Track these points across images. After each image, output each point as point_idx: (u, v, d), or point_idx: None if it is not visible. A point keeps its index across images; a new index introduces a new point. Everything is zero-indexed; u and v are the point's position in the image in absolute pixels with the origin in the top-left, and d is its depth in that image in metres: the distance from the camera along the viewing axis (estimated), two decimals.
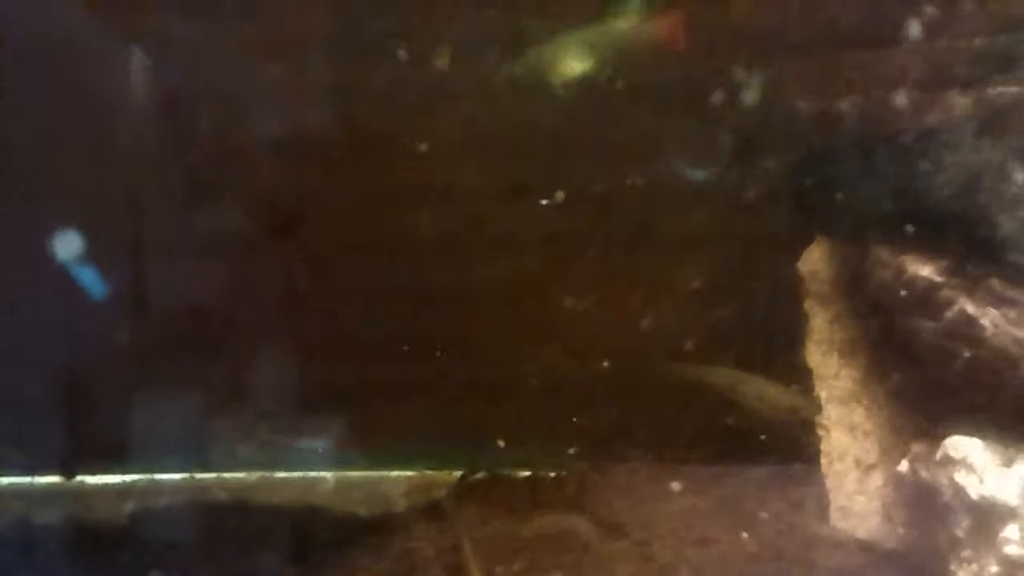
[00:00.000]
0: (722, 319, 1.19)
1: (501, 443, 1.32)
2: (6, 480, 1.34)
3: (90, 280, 1.28)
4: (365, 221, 1.27)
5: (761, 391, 1.13)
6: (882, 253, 1.03)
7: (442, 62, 1.15)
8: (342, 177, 1.25)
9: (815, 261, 1.13)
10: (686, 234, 1.19)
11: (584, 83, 1.16)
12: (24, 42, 1.16)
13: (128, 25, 1.16)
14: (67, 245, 1.27)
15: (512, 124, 1.21)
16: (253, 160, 1.25)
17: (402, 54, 1.16)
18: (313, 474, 1.40)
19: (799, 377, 1.13)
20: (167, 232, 1.27)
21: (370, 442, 1.37)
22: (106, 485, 1.35)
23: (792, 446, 1.11)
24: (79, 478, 1.36)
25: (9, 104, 1.18)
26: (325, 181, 1.26)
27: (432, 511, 1.30)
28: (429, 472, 1.41)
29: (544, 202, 1.21)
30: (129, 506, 1.34)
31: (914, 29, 1.02)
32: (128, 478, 1.36)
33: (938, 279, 0.98)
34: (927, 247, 0.99)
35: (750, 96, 1.12)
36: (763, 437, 1.11)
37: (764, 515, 1.08)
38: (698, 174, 1.18)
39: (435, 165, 1.23)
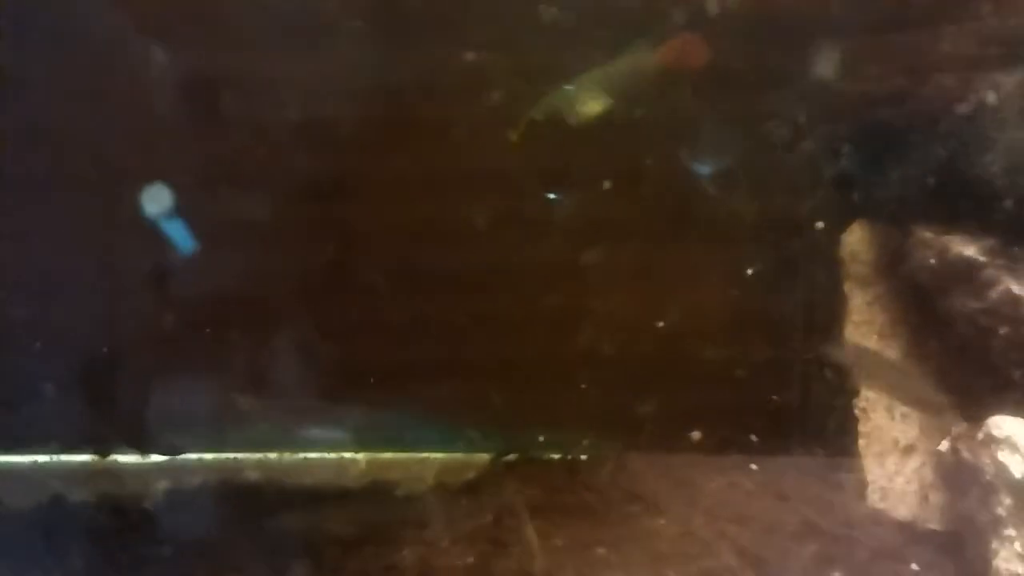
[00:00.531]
0: (762, 304, 1.19)
1: (536, 426, 1.33)
2: (42, 458, 1.34)
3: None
4: (403, 204, 1.29)
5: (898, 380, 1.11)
6: (924, 234, 1.03)
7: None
8: (380, 160, 1.26)
9: (855, 242, 1.13)
10: (726, 217, 1.19)
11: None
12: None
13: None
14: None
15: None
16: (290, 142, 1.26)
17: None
18: (346, 455, 1.41)
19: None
20: (204, 212, 1.28)
21: (402, 423, 1.38)
22: (139, 464, 1.36)
23: (831, 428, 1.11)
24: (112, 456, 1.37)
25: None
26: (364, 163, 1.27)
27: (468, 489, 1.31)
28: (460, 455, 1.41)
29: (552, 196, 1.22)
30: (162, 484, 1.34)
31: (959, 9, 1.02)
32: (161, 457, 1.37)
33: (982, 259, 0.98)
34: (971, 227, 0.99)
35: (789, 78, 1.13)
36: (802, 419, 1.11)
37: (804, 494, 1.08)
38: (736, 158, 1.18)
39: (475, 150, 1.24)
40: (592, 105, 1.16)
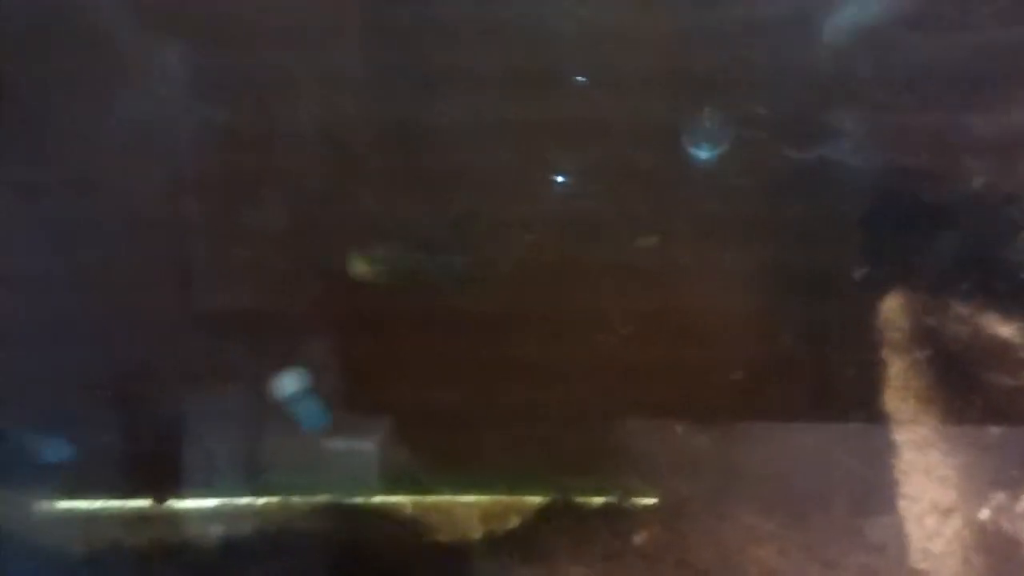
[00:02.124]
0: (808, 368, 1.23)
1: (578, 469, 1.36)
2: (101, 504, 1.38)
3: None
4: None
5: None
6: (960, 309, 1.08)
7: None
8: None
9: (892, 310, 1.18)
10: (770, 281, 1.24)
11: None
12: None
13: None
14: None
15: None
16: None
17: None
18: (392, 499, 1.44)
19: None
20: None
21: (444, 466, 1.41)
22: (194, 509, 1.39)
23: (873, 491, 1.15)
24: (168, 502, 1.40)
25: None
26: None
27: (511, 538, 1.34)
28: (503, 498, 1.43)
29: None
30: (217, 530, 1.38)
31: (993, 93, 1.06)
32: (214, 502, 1.41)
33: (1017, 340, 1.02)
34: (1006, 306, 1.04)
35: (828, 149, 1.17)
36: (846, 483, 1.15)
37: (849, 560, 1.12)
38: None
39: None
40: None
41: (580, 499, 1.37)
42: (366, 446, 1.41)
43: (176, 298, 1.31)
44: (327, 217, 1.30)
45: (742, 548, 1.16)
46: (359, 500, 1.42)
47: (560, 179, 1.27)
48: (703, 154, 1.21)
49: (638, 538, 1.30)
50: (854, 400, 1.20)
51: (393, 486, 1.41)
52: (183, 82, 1.23)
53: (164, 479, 1.37)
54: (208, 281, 1.32)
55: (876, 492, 1.16)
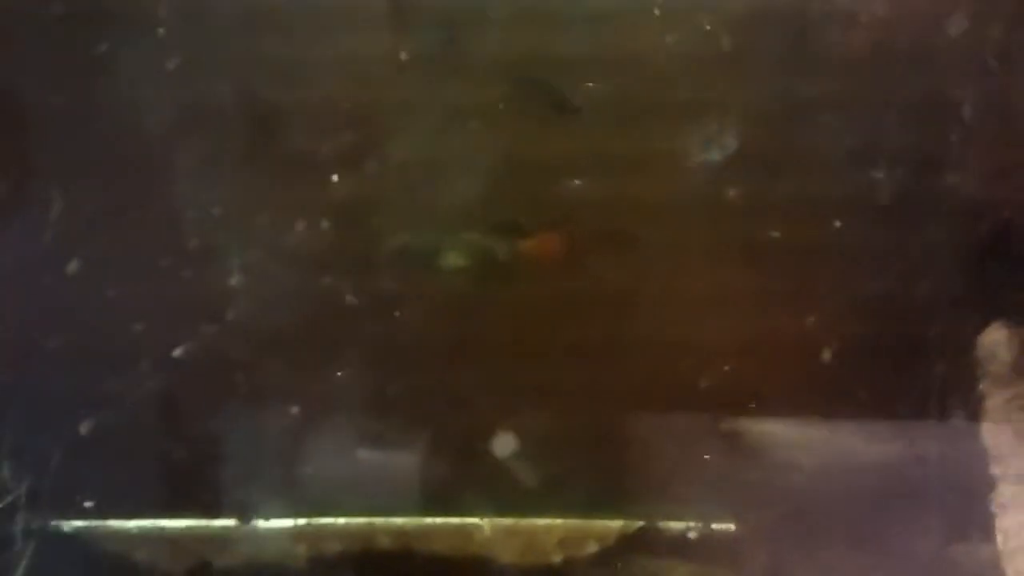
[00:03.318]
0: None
1: (658, 493, 1.36)
2: (189, 523, 1.40)
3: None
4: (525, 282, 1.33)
5: None
6: None
7: None
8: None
9: (993, 343, 1.17)
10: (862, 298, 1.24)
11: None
12: None
13: None
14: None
15: None
16: None
17: None
18: (469, 520, 1.44)
19: None
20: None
21: (524, 488, 1.40)
22: (279, 529, 1.40)
23: (970, 524, 1.15)
24: (254, 521, 1.41)
25: None
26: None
27: (593, 562, 1.34)
28: (580, 521, 1.42)
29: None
30: (302, 550, 1.39)
31: None
32: (298, 521, 1.42)
33: None
34: None
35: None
36: (942, 514, 1.15)
37: None
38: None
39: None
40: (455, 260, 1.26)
41: (660, 524, 1.37)
42: (447, 469, 1.41)
43: (264, 316, 1.33)
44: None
45: (832, 567, 1.14)
46: (439, 521, 1.42)
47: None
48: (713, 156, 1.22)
49: (718, 566, 1.29)
50: (952, 432, 1.19)
51: (472, 508, 1.41)
52: None
53: (248, 498, 1.38)
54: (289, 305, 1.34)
55: (972, 525, 1.15)
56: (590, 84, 1.23)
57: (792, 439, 1.28)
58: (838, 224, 1.23)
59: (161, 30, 1.21)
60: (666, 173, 1.25)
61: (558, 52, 1.22)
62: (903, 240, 1.22)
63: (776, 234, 1.25)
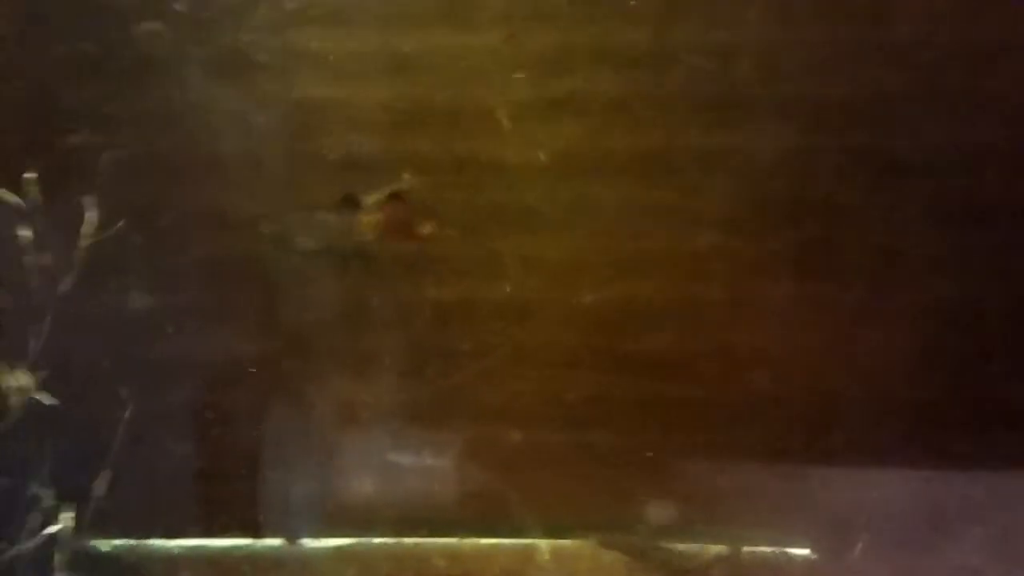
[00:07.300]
0: None
1: (737, 517, 1.30)
2: (233, 542, 1.36)
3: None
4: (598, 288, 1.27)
5: None
6: None
7: None
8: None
9: None
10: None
11: None
12: None
13: None
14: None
15: None
16: None
17: None
18: (526, 541, 1.39)
19: None
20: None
21: (585, 509, 1.35)
22: (327, 549, 1.36)
23: None
24: (300, 541, 1.37)
25: None
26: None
27: None
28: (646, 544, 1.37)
29: None
30: (351, 572, 1.35)
31: None
32: (346, 541, 1.37)
33: None
34: None
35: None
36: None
37: None
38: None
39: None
40: None
41: (738, 547, 1.30)
42: (500, 489, 1.36)
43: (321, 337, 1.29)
44: None
45: None
46: (491, 541, 1.38)
47: None
48: None
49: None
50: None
51: (529, 528, 1.35)
52: None
53: (294, 517, 1.34)
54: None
55: None
56: None
57: (862, 460, 1.21)
58: None
59: None
60: None
61: None
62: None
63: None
